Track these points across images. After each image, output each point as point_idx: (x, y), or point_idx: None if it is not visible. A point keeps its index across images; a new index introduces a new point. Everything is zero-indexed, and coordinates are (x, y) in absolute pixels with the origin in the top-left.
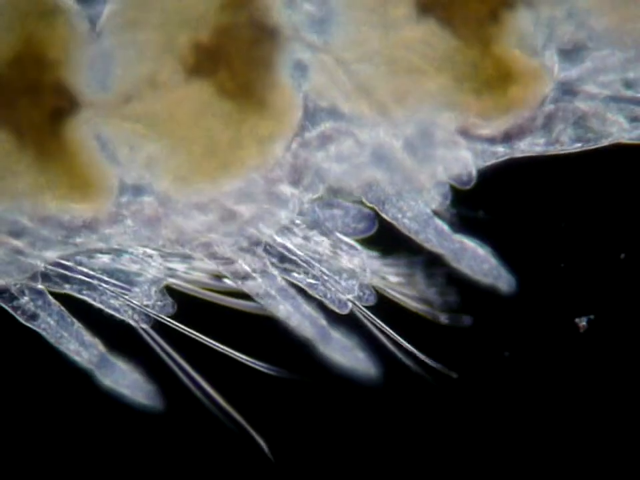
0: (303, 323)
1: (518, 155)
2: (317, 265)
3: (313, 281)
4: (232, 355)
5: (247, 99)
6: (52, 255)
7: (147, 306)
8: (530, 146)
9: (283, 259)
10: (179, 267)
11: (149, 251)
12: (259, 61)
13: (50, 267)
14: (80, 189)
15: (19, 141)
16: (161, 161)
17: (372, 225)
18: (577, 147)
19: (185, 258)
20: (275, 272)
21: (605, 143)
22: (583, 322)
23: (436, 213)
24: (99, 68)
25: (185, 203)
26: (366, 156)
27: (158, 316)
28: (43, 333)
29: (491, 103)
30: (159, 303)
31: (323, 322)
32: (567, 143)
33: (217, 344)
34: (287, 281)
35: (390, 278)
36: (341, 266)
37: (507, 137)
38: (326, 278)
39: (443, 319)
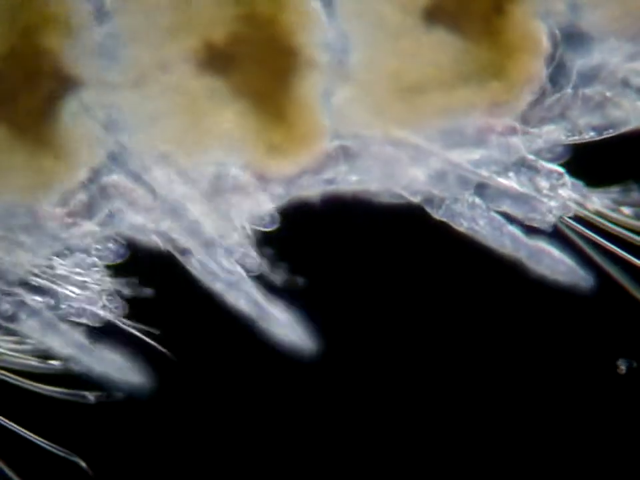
0: (239, 299)
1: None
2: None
3: None
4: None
5: (263, 108)
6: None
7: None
8: (550, 136)
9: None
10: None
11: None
12: (276, 76)
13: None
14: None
15: (15, 136)
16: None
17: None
18: (595, 134)
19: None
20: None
21: (623, 129)
22: (623, 365)
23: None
24: (106, 51)
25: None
26: (420, 175)
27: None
28: (27, 332)
29: (500, 87)
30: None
31: (260, 298)
32: (585, 132)
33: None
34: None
35: None
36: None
37: (526, 122)
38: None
39: None
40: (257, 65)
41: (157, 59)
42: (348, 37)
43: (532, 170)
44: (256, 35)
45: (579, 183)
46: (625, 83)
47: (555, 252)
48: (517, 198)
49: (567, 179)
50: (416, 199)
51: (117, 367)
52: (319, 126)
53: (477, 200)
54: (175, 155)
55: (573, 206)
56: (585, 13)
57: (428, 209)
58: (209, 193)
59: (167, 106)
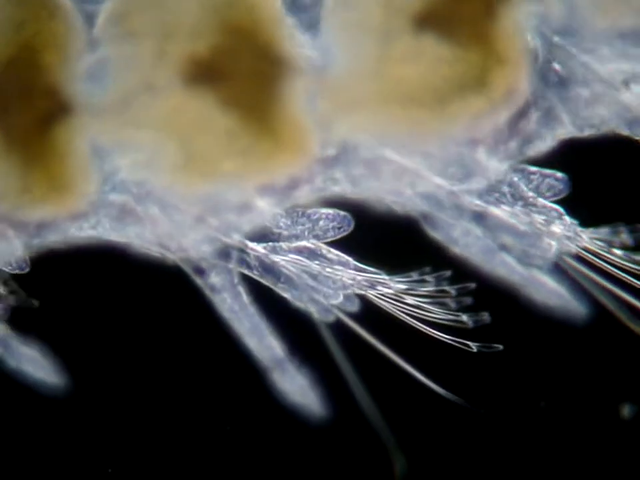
0: (260, 347)
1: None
2: (299, 271)
3: (294, 289)
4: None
5: (251, 119)
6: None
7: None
8: (537, 136)
9: (264, 267)
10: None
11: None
12: (262, 86)
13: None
14: (59, 191)
15: (6, 144)
16: (155, 162)
17: (348, 223)
18: (575, 135)
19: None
20: (241, 289)
21: (602, 131)
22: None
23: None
24: (95, 73)
25: (166, 202)
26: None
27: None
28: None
29: (488, 94)
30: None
31: (280, 352)
32: (568, 133)
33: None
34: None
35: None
36: (324, 273)
37: (513, 126)
38: (309, 284)
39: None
40: (242, 76)
41: (144, 81)
42: (334, 44)
43: (529, 205)
44: (239, 45)
45: (574, 221)
46: (623, 86)
47: (550, 282)
48: (516, 232)
49: (565, 217)
50: (412, 213)
51: (33, 364)
52: (307, 134)
53: (473, 227)
54: (170, 183)
55: (568, 243)
56: (581, 14)
57: (424, 226)
58: (204, 214)
59: (160, 131)
